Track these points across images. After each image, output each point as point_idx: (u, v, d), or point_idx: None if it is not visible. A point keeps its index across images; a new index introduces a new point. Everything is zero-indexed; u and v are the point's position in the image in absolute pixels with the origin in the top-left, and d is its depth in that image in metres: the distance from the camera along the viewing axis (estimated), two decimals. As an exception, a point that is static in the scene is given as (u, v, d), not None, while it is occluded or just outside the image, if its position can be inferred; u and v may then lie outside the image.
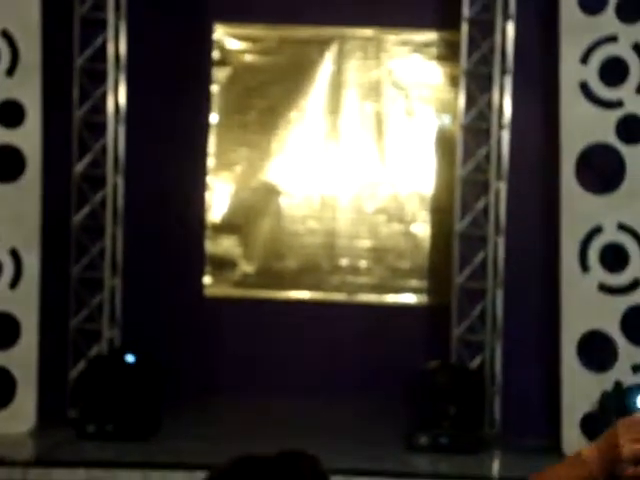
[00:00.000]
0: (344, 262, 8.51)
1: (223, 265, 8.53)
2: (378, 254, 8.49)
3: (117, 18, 7.77)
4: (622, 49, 7.26)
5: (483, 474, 7.05)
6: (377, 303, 8.48)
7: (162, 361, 7.51)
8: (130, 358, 7.37)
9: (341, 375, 8.22)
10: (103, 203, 7.78)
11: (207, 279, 8.54)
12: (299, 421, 7.75)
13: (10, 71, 7.33)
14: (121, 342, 7.83)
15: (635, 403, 6.82)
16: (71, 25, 7.70)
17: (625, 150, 7.26)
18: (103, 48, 7.73)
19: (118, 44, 7.80)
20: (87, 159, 7.78)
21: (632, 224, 7.25)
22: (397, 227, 8.49)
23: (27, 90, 7.35)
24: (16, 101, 7.35)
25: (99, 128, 7.77)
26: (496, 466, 7.34)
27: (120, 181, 7.87)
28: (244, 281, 8.55)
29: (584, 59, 7.30)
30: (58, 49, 7.62)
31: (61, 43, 7.67)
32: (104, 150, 7.78)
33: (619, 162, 7.26)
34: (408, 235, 8.47)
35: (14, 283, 7.36)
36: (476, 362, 7.69)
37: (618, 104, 7.27)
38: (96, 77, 7.75)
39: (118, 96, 7.83)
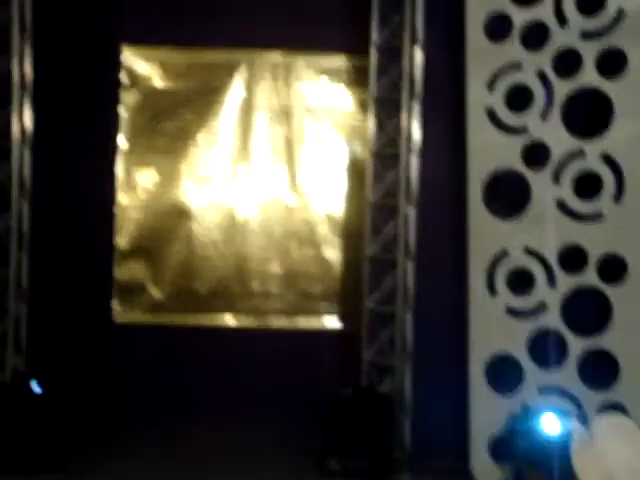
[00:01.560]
0: (255, 286, 8.49)
1: (132, 290, 8.44)
2: (289, 278, 8.49)
3: (22, 40, 7.64)
4: (527, 76, 7.38)
5: (393, 498, 7.07)
6: (288, 328, 8.46)
7: (70, 390, 7.38)
8: (36, 387, 7.22)
9: (254, 401, 8.17)
10: (7, 229, 7.63)
11: (116, 305, 8.43)
12: (212, 449, 7.68)
13: None
14: (26, 370, 7.66)
15: (541, 425, 6.89)
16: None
17: (530, 175, 7.37)
18: (8, 72, 7.59)
19: (23, 67, 7.67)
20: (-9, 184, 7.63)
21: (538, 248, 7.35)
22: (308, 251, 8.49)
23: None
24: None
25: (4, 153, 7.62)
26: (407, 490, 7.37)
27: (25, 206, 7.73)
28: (154, 306, 8.46)
29: (490, 85, 7.40)
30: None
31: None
32: (9, 175, 7.63)
33: (525, 187, 7.37)
34: (319, 259, 8.48)
35: None
36: (386, 386, 7.71)
37: (523, 130, 7.38)
38: (1, 101, 7.60)
39: (24, 120, 7.70)
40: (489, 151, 7.39)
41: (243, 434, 7.99)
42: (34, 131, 7.75)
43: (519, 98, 7.40)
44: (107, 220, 8.34)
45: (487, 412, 7.25)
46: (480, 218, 7.37)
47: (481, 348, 7.33)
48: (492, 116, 7.40)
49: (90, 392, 7.87)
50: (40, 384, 7.22)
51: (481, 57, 7.39)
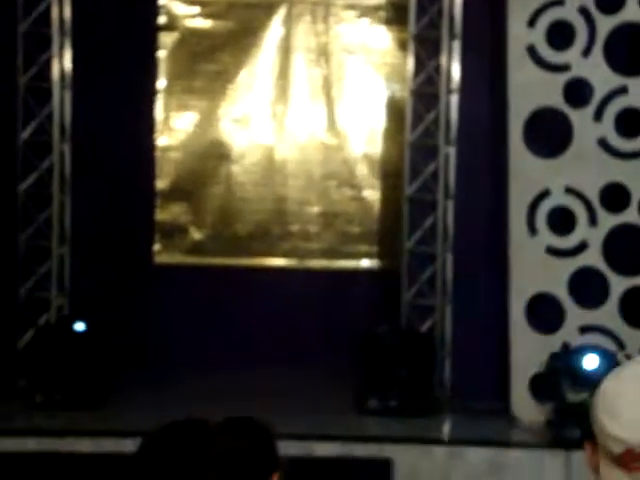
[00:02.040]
0: (294, 228, 8.50)
1: (173, 232, 8.48)
2: (328, 219, 8.49)
3: (61, -18, 7.64)
4: (569, 12, 7.28)
5: (433, 436, 7.10)
6: (327, 268, 8.49)
7: (111, 329, 7.47)
8: (79, 326, 7.31)
9: (292, 340, 8.22)
10: (50, 170, 7.69)
11: (157, 246, 8.49)
12: (250, 387, 7.74)
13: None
14: (70, 310, 7.77)
15: (582, 364, 6.90)
16: (13, -10, 7.56)
17: (572, 114, 7.29)
18: (47, 13, 7.60)
19: (62, 9, 7.67)
20: (32, 126, 7.67)
21: (579, 187, 7.30)
22: (347, 192, 8.48)
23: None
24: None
25: (44, 95, 7.65)
26: (446, 428, 7.41)
27: (67, 148, 7.77)
28: (194, 248, 8.51)
29: (531, 23, 7.30)
30: (1, 14, 7.48)
31: (4, 8, 7.53)
32: (50, 117, 7.67)
33: (566, 126, 7.30)
34: (358, 200, 8.47)
35: (-40, 252, 7.28)
36: (426, 326, 7.73)
37: (565, 68, 7.30)
38: (41, 43, 7.62)
39: (63, 62, 7.72)
40: (530, 89, 7.31)
41: (282, 374, 8.04)
42: (73, 73, 7.78)
43: (560, 35, 7.30)
44: (147, 162, 8.36)
45: (528, 351, 7.25)
46: (521, 157, 7.32)
47: (521, 287, 7.32)
48: (533, 53, 7.31)
49: (131, 331, 7.95)
50: (83, 323, 7.31)
51: (522, -6, 7.30)
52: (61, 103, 7.70)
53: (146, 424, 6.66)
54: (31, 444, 6.57)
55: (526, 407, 7.24)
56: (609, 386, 1.99)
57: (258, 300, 8.33)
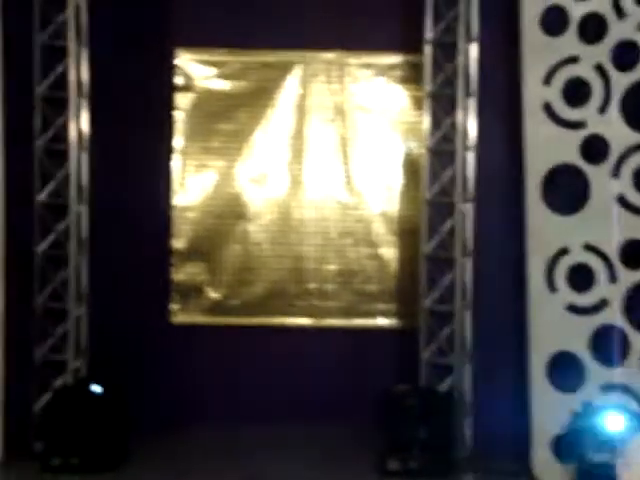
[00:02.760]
0: (311, 286, 8.48)
1: (190, 292, 8.47)
2: (345, 278, 8.47)
3: (78, 45, 7.71)
4: (584, 70, 7.28)
5: (454, 498, 7.02)
6: (345, 327, 8.44)
7: (129, 390, 7.43)
8: (96, 388, 7.28)
9: (310, 400, 8.16)
10: (66, 232, 7.70)
11: (174, 306, 8.47)
12: (269, 449, 7.68)
13: (-30, 100, 7.25)
14: (87, 372, 7.73)
15: (605, 425, 6.79)
16: (31, 53, 7.62)
17: (590, 170, 7.27)
18: (64, 76, 7.66)
19: (80, 71, 7.74)
20: (49, 188, 7.70)
21: (598, 244, 7.25)
22: (364, 250, 8.46)
23: (-13, 119, 7.27)
24: (-24, 130, 7.27)
25: (61, 156, 7.69)
26: (468, 489, 7.31)
27: (84, 209, 7.79)
28: (211, 308, 8.49)
29: (547, 80, 7.31)
30: (18, 77, 7.55)
31: (21, 71, 7.59)
32: (67, 179, 7.70)
33: (584, 182, 7.27)
34: (375, 258, 8.45)
35: (-23, 315, 7.26)
36: (445, 385, 7.65)
37: (581, 124, 7.29)
38: (57, 105, 7.67)
39: (80, 124, 7.77)
40: (547, 146, 7.30)
41: (300, 434, 7.98)
42: (90, 134, 7.82)
43: (576, 92, 7.30)
44: (164, 222, 8.38)
45: (549, 411, 7.15)
46: (539, 214, 7.29)
47: (542, 346, 7.24)
48: (549, 111, 7.31)
49: (147, 392, 7.91)
50: (100, 385, 7.27)
51: (537, 51, 7.31)
52: (78, 164, 7.74)
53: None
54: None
55: (548, 468, 7.13)
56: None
57: (275, 359, 8.29)
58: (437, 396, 7.54)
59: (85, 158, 7.79)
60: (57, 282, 7.68)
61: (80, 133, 7.75)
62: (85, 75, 7.76)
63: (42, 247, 7.68)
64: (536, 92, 7.31)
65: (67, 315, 7.68)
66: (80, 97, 7.74)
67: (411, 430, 7.27)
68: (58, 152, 7.69)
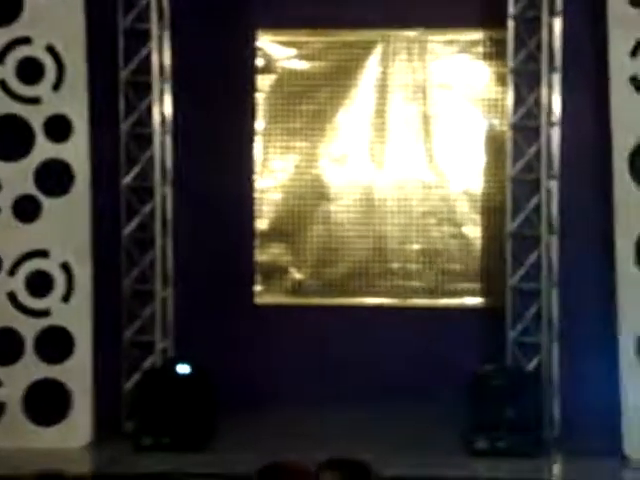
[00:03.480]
0: (395, 266, 8.44)
1: (273, 273, 8.50)
2: (429, 257, 8.41)
3: (161, 29, 7.77)
4: (673, 41, 7.12)
5: (544, 478, 6.95)
6: (430, 306, 8.39)
7: (215, 370, 7.49)
8: (184, 369, 7.35)
9: (396, 381, 8.13)
10: (152, 214, 7.78)
11: (258, 287, 8.51)
12: (357, 427, 7.68)
13: (56, 86, 7.36)
14: (174, 353, 7.82)
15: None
16: (115, 37, 7.70)
17: (679, 144, 7.12)
18: (147, 60, 7.72)
19: (162, 55, 7.80)
20: (135, 171, 7.78)
21: (689, 219, 7.10)
22: (448, 229, 8.40)
23: (74, 104, 7.38)
24: (63, 115, 7.38)
25: (145, 140, 7.77)
26: (556, 469, 7.24)
27: (168, 192, 7.87)
28: (295, 288, 8.51)
29: (634, 53, 7.17)
30: (103, 62, 7.63)
31: (106, 56, 7.68)
32: (151, 162, 7.77)
33: (673, 156, 7.13)
34: (459, 237, 8.38)
35: (66, 297, 7.39)
36: (533, 364, 7.57)
37: (671, 97, 7.13)
38: (141, 89, 7.74)
39: (163, 107, 7.83)
40: (634, 120, 7.16)
41: (387, 414, 7.96)
42: (174, 118, 7.88)
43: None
44: (247, 203, 8.41)
45: None
46: (627, 189, 7.16)
47: (631, 323, 7.13)
48: (636, 84, 7.17)
49: (233, 372, 7.96)
50: (187, 366, 7.34)
51: (624, 23, 7.18)
52: (162, 148, 7.81)
53: (250, 465, 6.65)
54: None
55: (639, 447, 7.02)
56: None
57: (359, 339, 8.27)
58: (524, 375, 7.47)
59: (169, 141, 7.86)
60: (144, 264, 7.77)
61: (163, 116, 7.82)
62: (167, 59, 7.82)
63: (128, 230, 7.77)
64: (622, 65, 7.18)
65: (154, 296, 7.76)
66: (163, 81, 7.80)
67: (499, 410, 7.21)
68: (143, 136, 7.77)
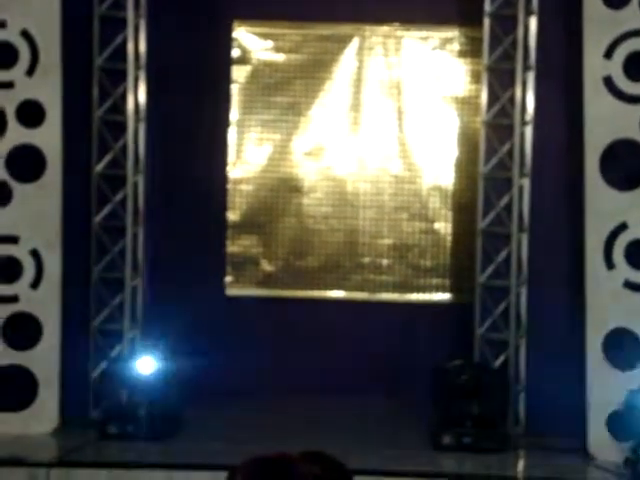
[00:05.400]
0: (366, 260, 8.46)
1: (244, 264, 8.50)
2: (400, 252, 8.44)
3: (137, 16, 7.73)
4: (647, 43, 7.17)
5: (508, 474, 6.99)
6: (399, 301, 8.42)
7: (184, 360, 7.47)
8: (152, 358, 7.33)
9: (364, 374, 8.16)
10: (124, 203, 7.75)
11: (229, 278, 8.51)
12: (322, 421, 7.70)
13: (30, 71, 7.32)
14: (142, 342, 7.79)
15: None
16: (91, 24, 7.67)
17: (650, 145, 7.17)
18: (123, 47, 7.69)
19: (138, 42, 7.77)
20: (107, 158, 7.75)
21: (658, 220, 7.16)
22: (419, 225, 8.43)
23: (47, 90, 7.33)
24: (36, 101, 7.33)
25: (119, 127, 7.73)
26: (521, 465, 7.28)
27: (141, 180, 7.84)
28: (265, 280, 8.51)
29: (608, 53, 7.21)
30: (77, 48, 7.59)
31: (81, 42, 7.64)
32: (124, 149, 7.75)
33: (644, 158, 7.18)
34: (430, 233, 8.41)
35: (35, 283, 7.35)
36: (500, 361, 7.61)
37: (643, 99, 7.18)
38: (116, 76, 7.71)
39: (138, 95, 7.80)
40: (607, 121, 7.21)
41: (353, 407, 7.98)
42: (148, 106, 7.85)
43: (638, 66, 7.19)
44: (219, 194, 8.40)
45: (605, 388, 7.09)
46: (597, 190, 7.21)
47: (599, 322, 7.18)
48: (610, 85, 7.22)
49: (202, 362, 7.94)
50: (155, 355, 7.32)
51: (599, 24, 7.21)
52: (135, 135, 7.78)
53: (217, 456, 6.65)
54: (103, 476, 6.59)
55: (603, 445, 7.08)
56: None
57: (329, 332, 8.29)
58: (491, 371, 7.51)
59: (142, 129, 7.82)
60: (114, 252, 7.74)
61: (137, 105, 7.79)
62: (143, 47, 7.79)
63: (99, 218, 7.74)
64: (597, 66, 7.22)
65: (124, 285, 7.74)
66: (138, 68, 7.77)
67: (465, 405, 7.24)
68: (116, 123, 7.74)
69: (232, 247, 8.50)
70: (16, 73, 7.29)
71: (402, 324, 8.31)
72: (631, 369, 7.12)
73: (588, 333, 7.19)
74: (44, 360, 7.31)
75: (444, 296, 8.40)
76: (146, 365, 7.30)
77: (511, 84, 7.67)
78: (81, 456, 6.87)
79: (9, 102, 7.30)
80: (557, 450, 7.20)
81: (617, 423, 7.04)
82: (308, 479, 2.39)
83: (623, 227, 7.21)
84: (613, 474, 6.81)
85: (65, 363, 7.40)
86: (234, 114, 8.47)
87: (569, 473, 6.88)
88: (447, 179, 8.40)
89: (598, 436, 7.12)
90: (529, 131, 7.66)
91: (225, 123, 8.43)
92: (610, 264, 7.21)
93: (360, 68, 8.41)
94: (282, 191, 8.47)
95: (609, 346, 7.16)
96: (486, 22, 7.70)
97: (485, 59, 7.72)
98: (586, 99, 7.24)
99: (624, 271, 7.20)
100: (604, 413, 7.10)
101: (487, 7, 7.70)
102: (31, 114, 7.31)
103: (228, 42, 8.39)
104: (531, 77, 7.63)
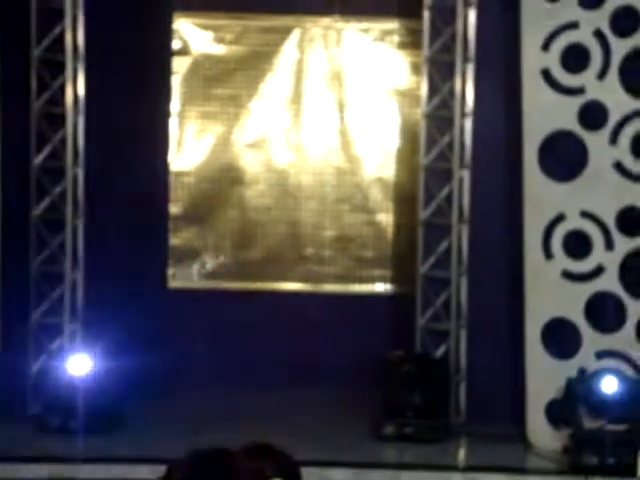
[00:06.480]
0: (308, 252, 8.48)
1: (186, 256, 8.47)
2: (342, 244, 8.46)
3: (74, 7, 7.65)
4: (583, 35, 7.26)
5: (449, 463, 7.04)
6: (341, 293, 8.45)
7: (125, 354, 7.43)
8: (92, 352, 7.28)
9: (306, 366, 8.18)
10: (63, 195, 7.68)
11: (171, 271, 8.47)
12: (265, 412, 7.70)
13: (-34, 62, 7.22)
14: (83, 336, 7.73)
15: (599, 390, 6.82)
16: (28, 15, 7.57)
17: (587, 137, 7.26)
18: (61, 38, 7.61)
19: (76, 34, 7.69)
20: (46, 151, 7.67)
21: (595, 211, 7.25)
22: (361, 216, 8.46)
23: (-17, 81, 7.24)
24: (-28, 93, 7.24)
25: (58, 119, 7.66)
26: (462, 454, 7.34)
27: (80, 173, 7.77)
28: (208, 273, 8.49)
29: (546, 46, 7.29)
30: (15, 40, 7.50)
31: (18, 34, 7.54)
32: (63, 142, 7.67)
33: (581, 149, 7.26)
34: (372, 224, 8.45)
35: (-27, 277, 7.27)
36: (441, 351, 7.67)
37: (580, 91, 7.27)
38: (54, 68, 7.63)
39: (77, 87, 7.72)
40: (545, 112, 7.29)
41: (296, 398, 8.00)
42: (87, 98, 7.78)
43: (575, 58, 7.28)
44: (161, 186, 8.36)
45: (544, 377, 7.19)
46: (536, 181, 7.28)
47: (537, 312, 7.26)
48: (548, 77, 7.29)
49: (144, 355, 7.90)
50: (96, 348, 7.28)
51: (536, 17, 7.29)
52: (74, 128, 7.70)
53: (158, 450, 6.61)
54: (43, 470, 6.54)
55: (542, 433, 7.17)
56: None
57: (271, 324, 8.30)
58: (432, 362, 7.57)
59: (82, 121, 7.75)
60: (54, 245, 7.67)
61: (76, 96, 7.71)
62: (81, 38, 7.71)
63: (38, 210, 7.67)
64: (535, 58, 7.29)
65: (63, 278, 7.68)
66: (76, 60, 7.70)
67: (406, 395, 7.30)
68: (55, 115, 7.66)
69: (174, 240, 8.46)
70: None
71: (344, 315, 8.33)
72: (569, 358, 7.22)
73: (527, 322, 7.27)
74: (-17, 355, 7.23)
75: (386, 287, 8.45)
76: (85, 360, 7.24)
77: (451, 76, 7.72)
78: (21, 451, 6.80)
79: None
80: (497, 439, 7.27)
81: (555, 411, 7.13)
82: (250, 473, 2.39)
83: (561, 218, 7.29)
84: (552, 461, 6.90)
85: (4, 357, 7.31)
86: (175, 106, 8.43)
87: (509, 461, 6.95)
88: (388, 171, 8.44)
89: (537, 424, 7.21)
90: (469, 123, 7.71)
91: (166, 115, 8.38)
92: (549, 254, 7.30)
93: (301, 60, 8.41)
94: (224, 183, 8.45)
95: (548, 335, 7.25)
96: (426, 14, 7.73)
97: (425, 51, 7.76)
98: (525, 91, 7.30)
99: (562, 261, 7.29)
100: (543, 401, 7.19)
101: (427, -1, 7.74)
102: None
103: (168, 33, 8.35)
104: (471, 69, 7.68)
